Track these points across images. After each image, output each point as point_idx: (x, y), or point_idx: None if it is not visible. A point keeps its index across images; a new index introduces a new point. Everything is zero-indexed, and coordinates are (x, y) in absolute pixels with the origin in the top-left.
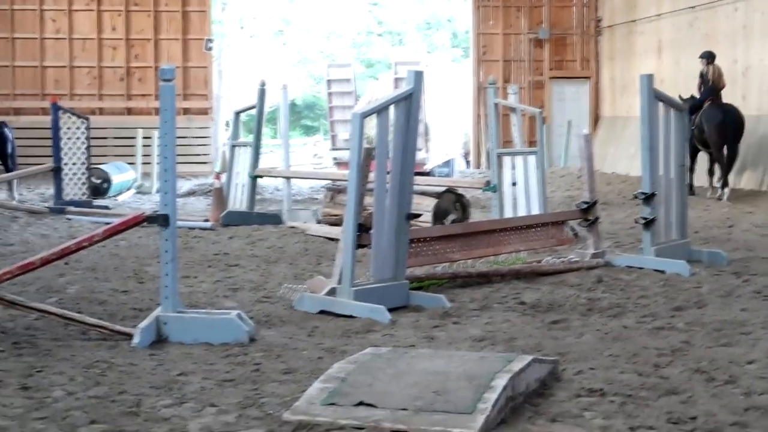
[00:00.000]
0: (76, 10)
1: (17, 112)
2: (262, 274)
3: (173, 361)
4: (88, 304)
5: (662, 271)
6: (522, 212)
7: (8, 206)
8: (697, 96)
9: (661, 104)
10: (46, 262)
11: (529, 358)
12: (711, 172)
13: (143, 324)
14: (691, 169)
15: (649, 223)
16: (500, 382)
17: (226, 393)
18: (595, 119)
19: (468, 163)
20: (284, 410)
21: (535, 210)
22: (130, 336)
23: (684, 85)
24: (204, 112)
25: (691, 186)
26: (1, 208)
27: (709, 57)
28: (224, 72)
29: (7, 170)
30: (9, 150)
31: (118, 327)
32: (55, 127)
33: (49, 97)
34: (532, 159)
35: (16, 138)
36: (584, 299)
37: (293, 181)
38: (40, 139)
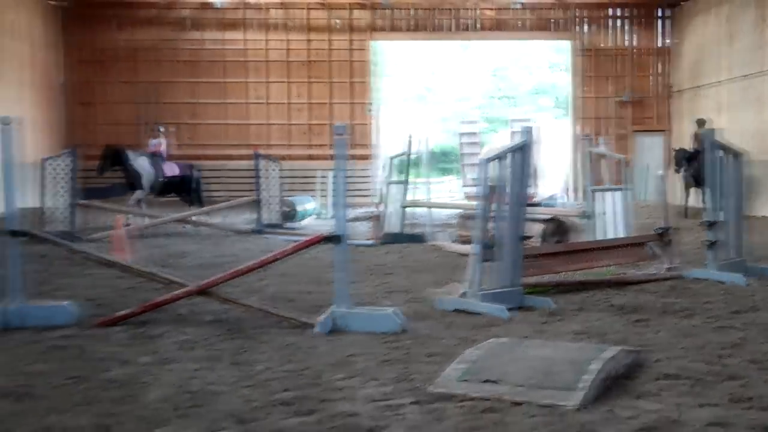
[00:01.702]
0: (272, 82)
1: (227, 158)
2: (411, 280)
3: (344, 345)
4: (281, 301)
5: (723, 282)
6: (611, 235)
7: (222, 227)
8: (689, 149)
9: (720, 152)
10: (250, 269)
11: (617, 348)
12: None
13: (322, 317)
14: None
15: (712, 245)
16: (595, 366)
17: (384, 370)
18: (669, 163)
19: (568, 196)
20: (429, 385)
21: (621, 234)
22: (312, 326)
23: (739, 138)
24: (366, 157)
25: (685, 210)
26: (217, 229)
27: (699, 123)
28: (381, 127)
29: (190, 204)
30: (194, 186)
31: (303, 319)
32: (256, 169)
33: (251, 146)
34: (618, 194)
35: (228, 178)
36: (661, 303)
37: (434, 210)
38: (245, 179)
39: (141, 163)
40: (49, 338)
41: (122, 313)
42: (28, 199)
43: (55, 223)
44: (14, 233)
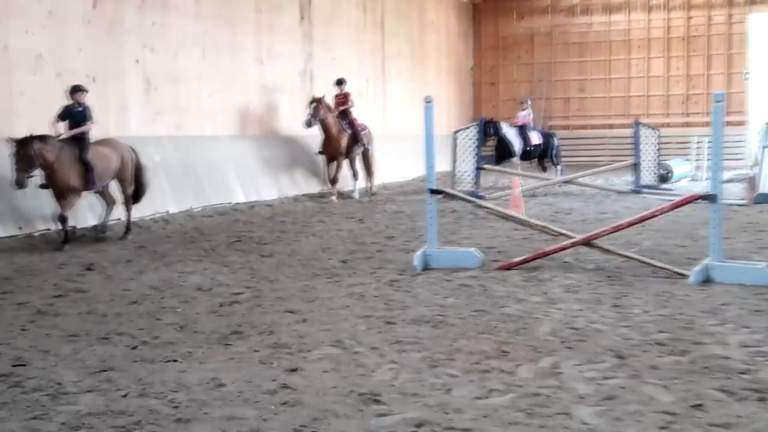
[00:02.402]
0: (652, 58)
1: (610, 127)
2: None
3: (716, 295)
4: (657, 253)
5: None
6: None
7: (603, 187)
8: None
9: None
10: (629, 224)
11: None
12: None
13: (696, 268)
14: None
15: None
16: None
17: (756, 319)
18: None
19: None
20: None
21: None
22: (685, 276)
23: None
24: (740, 123)
25: None
26: (599, 189)
27: None
28: (756, 94)
29: (544, 169)
30: (554, 152)
31: (678, 269)
32: (636, 136)
33: (632, 116)
34: None
35: (610, 144)
36: None
37: None
38: (625, 145)
39: (512, 134)
40: (458, 278)
41: (518, 259)
42: (442, 164)
43: (463, 184)
44: (433, 191)
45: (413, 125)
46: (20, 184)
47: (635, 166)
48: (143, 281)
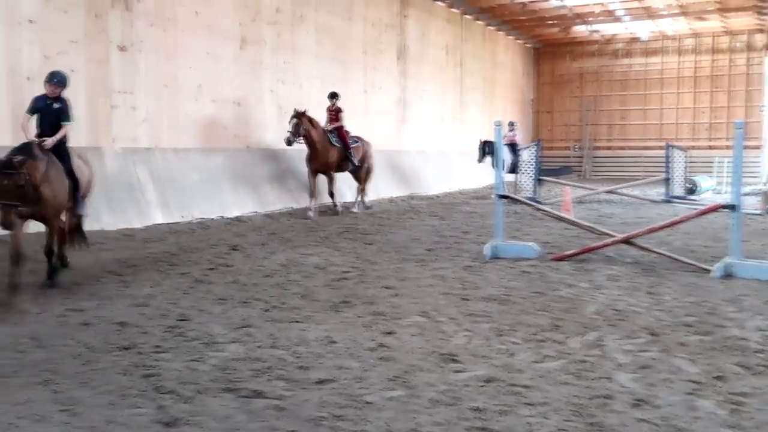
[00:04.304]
0: (682, 92)
1: (645, 148)
2: None
3: (736, 287)
4: (685, 252)
5: None
6: None
7: (639, 197)
8: None
9: None
10: (662, 227)
11: None
12: None
13: (718, 265)
14: None
15: None
16: None
17: None
18: None
19: None
20: None
21: None
22: (709, 271)
23: None
24: (756, 147)
25: None
26: (636, 198)
27: None
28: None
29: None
30: (507, 167)
31: (702, 265)
32: (667, 156)
33: (664, 140)
34: None
35: (645, 163)
36: None
37: None
38: (657, 163)
39: (504, 151)
40: (520, 266)
41: (569, 252)
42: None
43: (524, 191)
44: (501, 196)
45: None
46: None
47: (666, 181)
48: (274, 260)
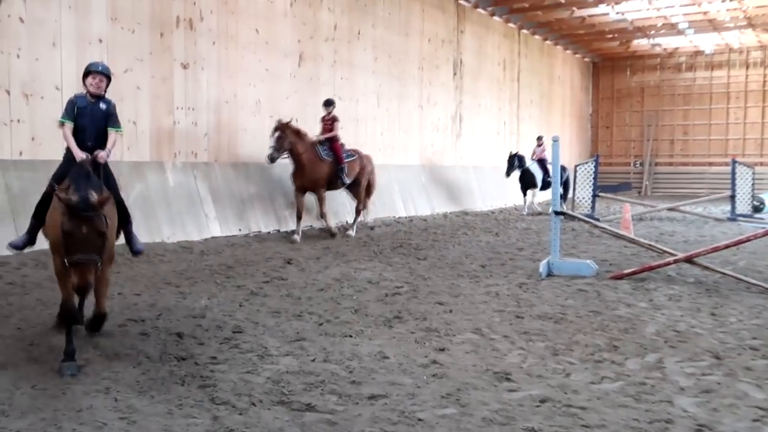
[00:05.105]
0: (749, 107)
1: (709, 164)
2: None
3: None
4: (751, 272)
5: None
6: None
7: (703, 215)
8: None
9: None
10: (726, 246)
11: None
12: None
13: None
14: None
15: None
16: None
17: None
18: None
19: None
20: None
21: None
22: None
23: None
24: None
25: None
26: (699, 216)
27: None
28: None
29: (564, 198)
30: (567, 184)
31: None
32: (733, 172)
33: (729, 155)
34: None
35: (710, 179)
36: None
37: None
38: (723, 180)
39: (535, 167)
40: (576, 284)
41: (628, 271)
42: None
43: (582, 207)
44: (557, 213)
45: None
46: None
47: (732, 198)
48: (328, 274)
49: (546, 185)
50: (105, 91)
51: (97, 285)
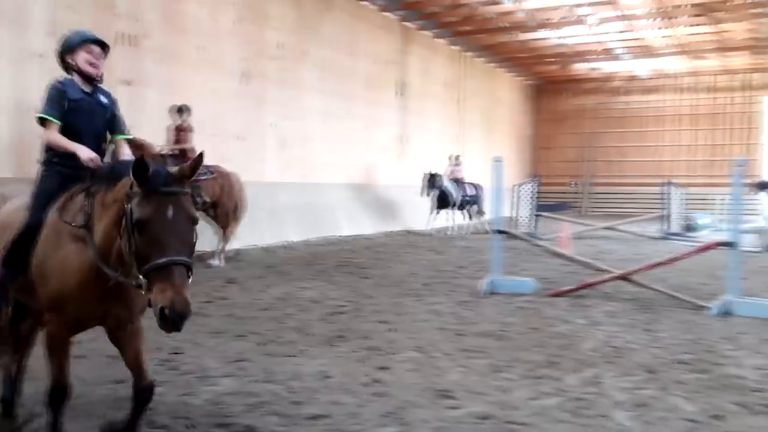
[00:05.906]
0: (682, 130)
1: (643, 185)
2: None
3: (733, 325)
4: (683, 289)
5: None
6: None
7: (637, 233)
8: None
9: None
10: (660, 264)
11: None
12: None
13: (716, 302)
14: None
15: None
16: None
17: (767, 347)
18: None
19: None
20: None
21: None
22: (707, 308)
23: None
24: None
25: None
26: (633, 234)
27: None
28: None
29: (472, 216)
30: (482, 203)
31: (701, 302)
32: (665, 193)
33: (662, 177)
34: None
35: (642, 199)
36: None
37: None
38: (655, 200)
39: (451, 186)
40: (516, 301)
41: (565, 288)
42: (505, 210)
43: (522, 227)
44: (498, 231)
45: (484, 179)
46: None
47: (664, 217)
48: (271, 293)
49: (462, 204)
50: (102, 75)
51: (134, 341)
